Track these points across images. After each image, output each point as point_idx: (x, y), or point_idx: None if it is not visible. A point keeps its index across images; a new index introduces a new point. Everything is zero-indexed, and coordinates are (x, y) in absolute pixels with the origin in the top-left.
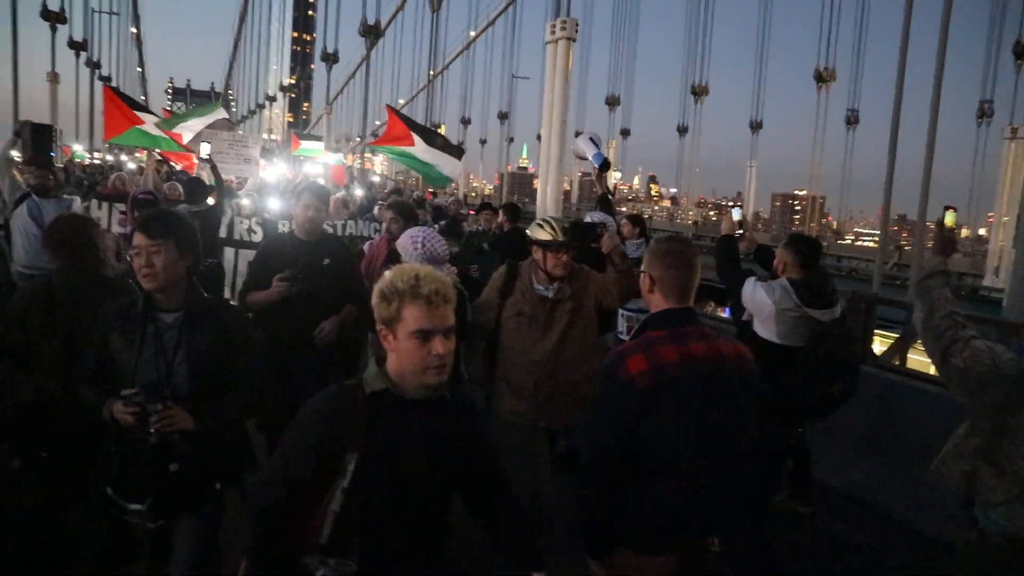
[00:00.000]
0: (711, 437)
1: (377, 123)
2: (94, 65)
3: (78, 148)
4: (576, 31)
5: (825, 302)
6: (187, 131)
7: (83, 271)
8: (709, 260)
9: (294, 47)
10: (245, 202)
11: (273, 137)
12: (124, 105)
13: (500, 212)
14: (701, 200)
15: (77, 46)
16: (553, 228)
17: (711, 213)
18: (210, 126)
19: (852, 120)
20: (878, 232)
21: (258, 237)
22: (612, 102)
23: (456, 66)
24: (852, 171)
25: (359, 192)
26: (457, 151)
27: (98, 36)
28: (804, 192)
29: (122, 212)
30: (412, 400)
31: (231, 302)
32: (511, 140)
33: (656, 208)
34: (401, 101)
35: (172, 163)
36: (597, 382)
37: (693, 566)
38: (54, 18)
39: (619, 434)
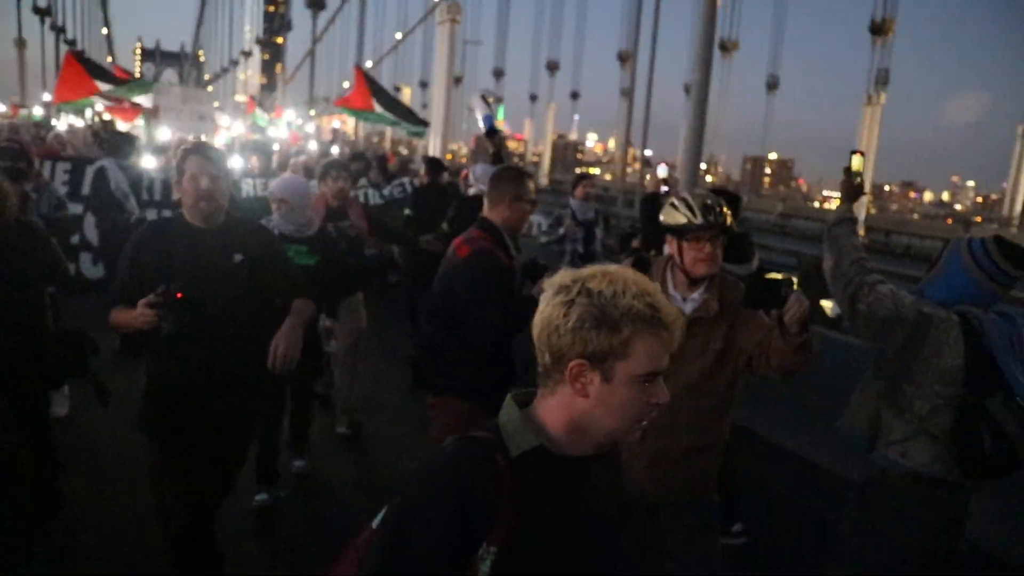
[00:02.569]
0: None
1: (346, 85)
2: (59, 30)
3: (37, 110)
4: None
5: (741, 256)
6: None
7: None
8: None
9: (267, 7)
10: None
11: (242, 99)
12: (85, 73)
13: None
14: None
15: (41, 12)
16: (690, 207)
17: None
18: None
19: (773, 85)
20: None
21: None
22: (624, 57)
23: (419, 30)
24: (824, 133)
25: (335, 151)
26: (421, 123)
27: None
28: (775, 156)
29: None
30: (573, 459)
31: None
32: (500, 99)
33: (630, 171)
34: (370, 63)
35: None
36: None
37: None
38: None
39: (506, 306)
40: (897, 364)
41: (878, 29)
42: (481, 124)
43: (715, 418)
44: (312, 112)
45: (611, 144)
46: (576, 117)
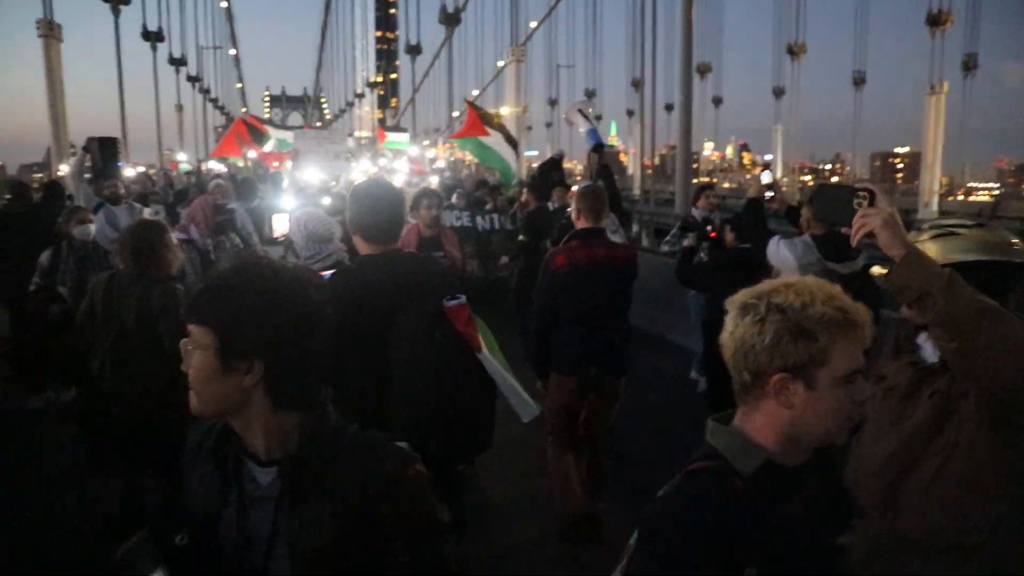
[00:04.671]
0: (594, 305)
1: (455, 114)
2: (205, 92)
3: (182, 158)
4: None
5: (845, 255)
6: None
7: (143, 274)
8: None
9: (378, 46)
10: (326, 201)
11: (363, 135)
12: (247, 135)
13: (524, 190)
14: (797, 165)
15: (193, 79)
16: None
17: (806, 178)
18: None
19: (970, 65)
20: (994, 185)
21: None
22: (703, 70)
23: (540, 46)
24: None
25: (434, 180)
26: (513, 143)
27: (205, 66)
28: (905, 150)
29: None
30: (794, 468)
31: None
32: (599, 117)
33: (747, 177)
34: (476, 92)
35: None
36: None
37: (584, 383)
38: (177, 62)
39: (547, 301)
40: None
41: (934, 20)
42: (585, 139)
43: (969, 492)
44: (426, 143)
45: (728, 151)
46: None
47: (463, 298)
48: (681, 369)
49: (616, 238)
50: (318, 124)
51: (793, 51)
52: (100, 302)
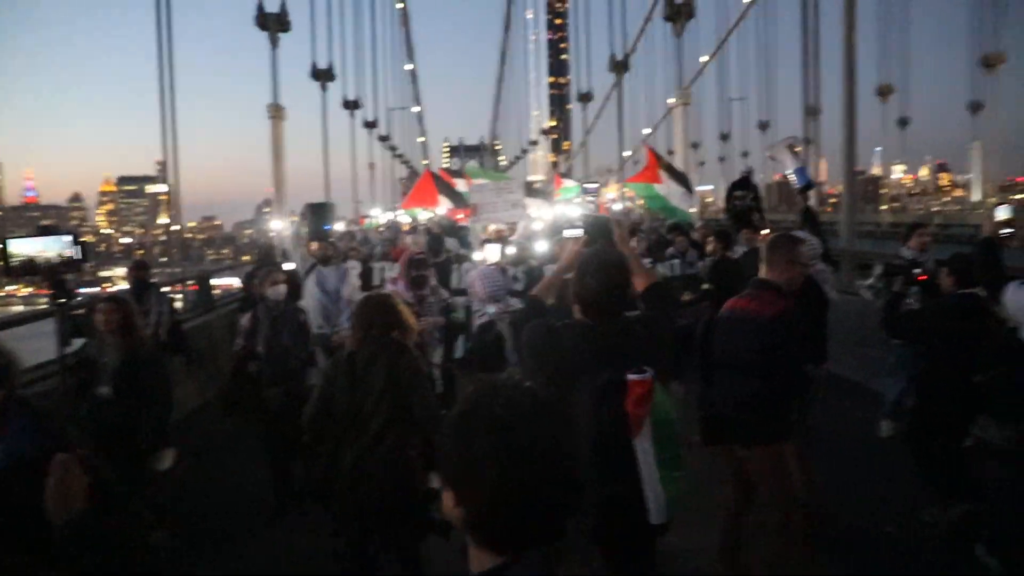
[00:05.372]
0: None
1: (627, 153)
2: (392, 149)
3: (375, 212)
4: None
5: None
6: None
7: (386, 345)
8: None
9: (551, 91)
10: (511, 250)
11: (537, 178)
12: (435, 189)
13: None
14: (1008, 182)
15: (383, 139)
16: None
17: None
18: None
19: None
20: None
21: (519, 286)
22: (885, 91)
23: (711, 79)
24: None
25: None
26: (688, 186)
27: (393, 125)
28: None
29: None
30: None
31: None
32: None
33: (946, 200)
34: (648, 130)
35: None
36: None
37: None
38: (370, 125)
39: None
40: None
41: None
42: (793, 179)
43: None
44: (597, 184)
45: (922, 172)
46: (877, 149)
47: (648, 373)
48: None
49: (831, 292)
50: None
51: (989, 62)
52: (344, 376)
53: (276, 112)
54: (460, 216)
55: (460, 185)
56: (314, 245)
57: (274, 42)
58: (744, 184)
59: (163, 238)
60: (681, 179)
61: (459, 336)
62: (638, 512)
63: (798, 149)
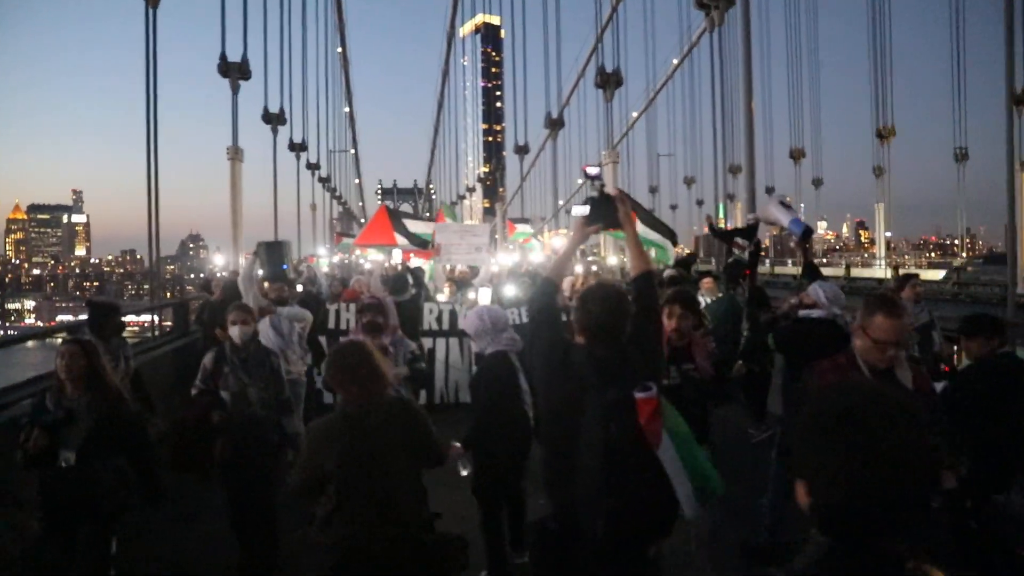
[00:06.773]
0: None
1: (561, 203)
2: (332, 191)
3: (322, 252)
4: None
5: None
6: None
7: (372, 398)
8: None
9: (486, 138)
10: (484, 290)
11: (473, 223)
12: (390, 226)
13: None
14: (921, 241)
15: (323, 181)
16: None
17: (933, 254)
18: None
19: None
20: None
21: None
22: (797, 155)
23: (641, 138)
24: None
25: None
26: (671, 235)
27: (333, 167)
28: None
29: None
30: None
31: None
32: (700, 203)
33: (866, 255)
34: (580, 181)
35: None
36: None
37: None
38: (312, 167)
39: None
40: None
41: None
42: (792, 231)
43: None
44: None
45: (844, 229)
46: (801, 206)
47: (653, 390)
48: None
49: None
50: (426, 215)
51: (882, 135)
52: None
53: (235, 154)
54: (410, 256)
55: (413, 226)
56: (271, 287)
57: (235, 88)
58: (751, 233)
59: (78, 270)
60: (660, 227)
61: (422, 390)
62: (638, 521)
63: (788, 201)
